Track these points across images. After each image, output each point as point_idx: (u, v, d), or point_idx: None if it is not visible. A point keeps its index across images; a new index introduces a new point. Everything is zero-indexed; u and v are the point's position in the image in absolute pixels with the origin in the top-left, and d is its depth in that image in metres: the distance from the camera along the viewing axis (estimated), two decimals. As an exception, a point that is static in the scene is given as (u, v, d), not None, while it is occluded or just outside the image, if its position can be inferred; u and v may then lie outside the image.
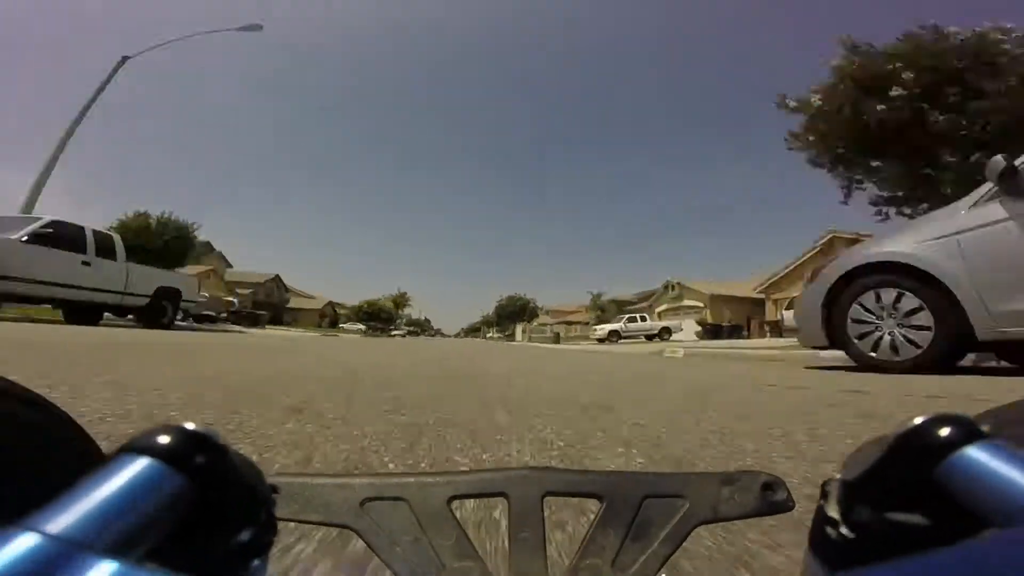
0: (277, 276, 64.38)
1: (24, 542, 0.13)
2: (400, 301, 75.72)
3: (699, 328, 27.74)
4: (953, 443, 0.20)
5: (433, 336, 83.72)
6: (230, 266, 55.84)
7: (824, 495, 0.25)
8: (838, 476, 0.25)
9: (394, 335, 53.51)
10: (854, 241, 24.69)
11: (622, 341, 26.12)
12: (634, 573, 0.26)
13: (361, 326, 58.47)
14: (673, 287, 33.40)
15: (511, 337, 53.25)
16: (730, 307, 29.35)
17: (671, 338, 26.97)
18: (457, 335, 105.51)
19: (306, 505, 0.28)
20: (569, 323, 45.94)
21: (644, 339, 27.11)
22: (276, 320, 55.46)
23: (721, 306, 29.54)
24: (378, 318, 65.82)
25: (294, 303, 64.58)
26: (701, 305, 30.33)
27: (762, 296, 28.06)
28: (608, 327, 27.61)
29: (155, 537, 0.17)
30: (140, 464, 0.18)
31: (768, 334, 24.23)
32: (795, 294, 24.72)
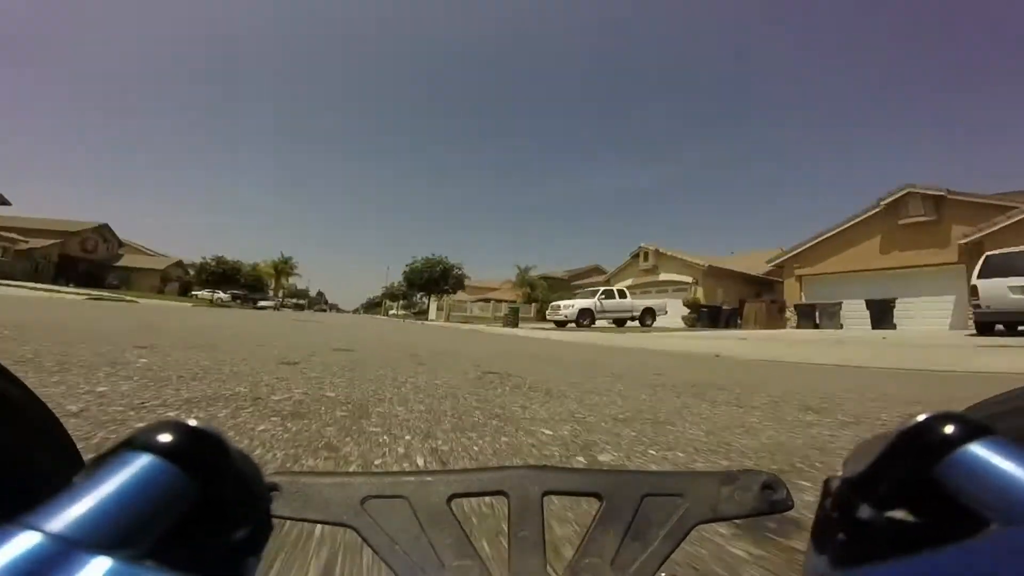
0: (104, 225, 47.03)
1: (24, 541, 0.13)
2: (283, 268, 60.76)
3: (688, 311, 20.16)
4: (953, 441, 0.20)
5: (325, 311, 69.94)
6: (7, 203, 37.60)
7: (826, 492, 0.25)
8: (839, 473, 0.24)
9: (263, 307, 40.34)
10: (939, 198, 18.40)
11: (594, 325, 17.79)
12: (634, 572, 0.25)
13: (221, 294, 43.97)
14: (646, 256, 25.44)
15: (422, 315, 42.69)
16: (723, 285, 22.21)
17: (653, 324, 19.20)
18: (355, 311, 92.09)
19: (306, 503, 0.28)
20: (494, 300, 36.90)
21: (614, 323, 19.05)
22: (95, 280, 39.81)
23: (714, 283, 22.24)
24: (233, 282, 50.66)
25: (129, 260, 47.79)
26: (688, 281, 22.85)
27: (771, 273, 21.12)
28: (578, 304, 18.73)
29: (155, 534, 0.17)
30: (142, 461, 0.18)
31: (795, 320, 17.29)
32: (833, 268, 17.54)
